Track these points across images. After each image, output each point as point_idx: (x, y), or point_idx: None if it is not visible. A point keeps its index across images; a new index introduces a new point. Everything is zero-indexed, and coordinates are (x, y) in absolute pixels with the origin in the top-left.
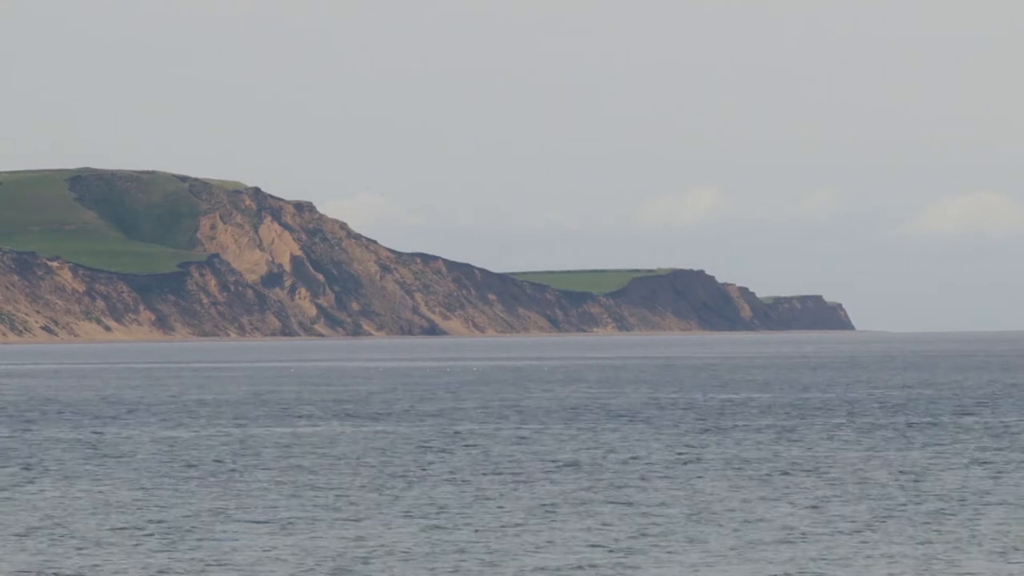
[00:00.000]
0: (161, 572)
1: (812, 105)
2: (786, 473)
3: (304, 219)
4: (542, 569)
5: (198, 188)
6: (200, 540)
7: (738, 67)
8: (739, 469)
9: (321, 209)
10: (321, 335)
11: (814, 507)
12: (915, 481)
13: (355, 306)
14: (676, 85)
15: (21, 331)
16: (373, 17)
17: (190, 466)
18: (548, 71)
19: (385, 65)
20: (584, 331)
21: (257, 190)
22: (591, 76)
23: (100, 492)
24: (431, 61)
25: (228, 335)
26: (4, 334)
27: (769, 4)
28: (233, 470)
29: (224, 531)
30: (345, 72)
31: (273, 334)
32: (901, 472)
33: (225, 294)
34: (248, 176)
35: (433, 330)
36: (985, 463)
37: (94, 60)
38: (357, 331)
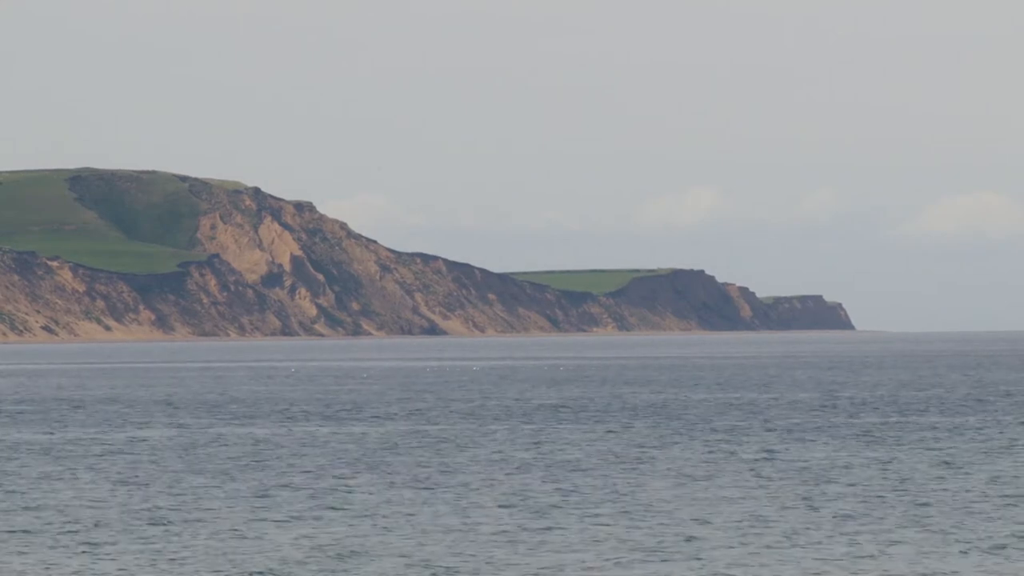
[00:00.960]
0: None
1: (812, 105)
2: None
3: (304, 219)
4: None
5: (198, 188)
6: (145, 540)
7: (738, 67)
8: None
9: (321, 209)
10: (321, 335)
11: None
12: (879, 479)
13: (355, 306)
14: (676, 85)
15: (21, 331)
16: (373, 17)
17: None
18: (548, 71)
19: (385, 65)
20: (584, 331)
21: (257, 190)
22: (591, 76)
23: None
24: (431, 61)
25: (228, 335)
26: (4, 334)
27: (769, 4)
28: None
29: (169, 532)
30: (345, 72)
31: (273, 334)
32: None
33: (225, 294)
34: (248, 176)
35: (433, 330)
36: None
37: (94, 60)
38: (357, 331)
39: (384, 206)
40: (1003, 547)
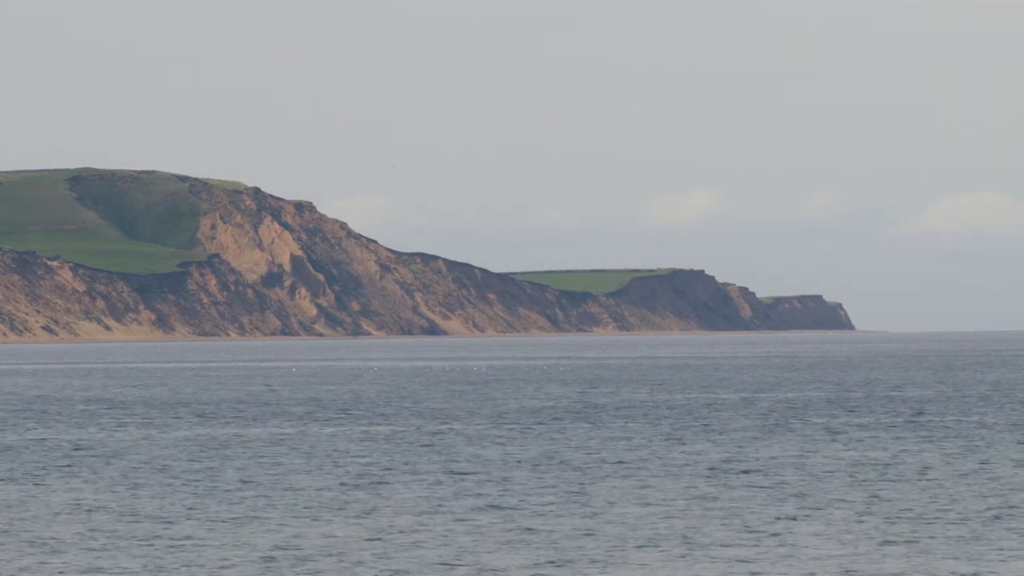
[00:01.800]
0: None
1: (812, 105)
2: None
3: (304, 219)
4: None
5: (198, 188)
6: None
7: (738, 67)
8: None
9: (321, 209)
10: (321, 335)
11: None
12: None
13: (355, 306)
14: (676, 85)
15: (21, 331)
16: (373, 17)
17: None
18: (548, 71)
19: (386, 65)
20: (584, 331)
21: (257, 190)
22: (591, 76)
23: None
24: (431, 61)
25: (228, 335)
26: (4, 334)
27: (769, 4)
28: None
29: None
30: (345, 72)
31: (273, 334)
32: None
33: (225, 294)
34: (248, 176)
35: (433, 330)
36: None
37: (94, 60)
38: (357, 331)
39: (385, 206)
40: (976, 541)
